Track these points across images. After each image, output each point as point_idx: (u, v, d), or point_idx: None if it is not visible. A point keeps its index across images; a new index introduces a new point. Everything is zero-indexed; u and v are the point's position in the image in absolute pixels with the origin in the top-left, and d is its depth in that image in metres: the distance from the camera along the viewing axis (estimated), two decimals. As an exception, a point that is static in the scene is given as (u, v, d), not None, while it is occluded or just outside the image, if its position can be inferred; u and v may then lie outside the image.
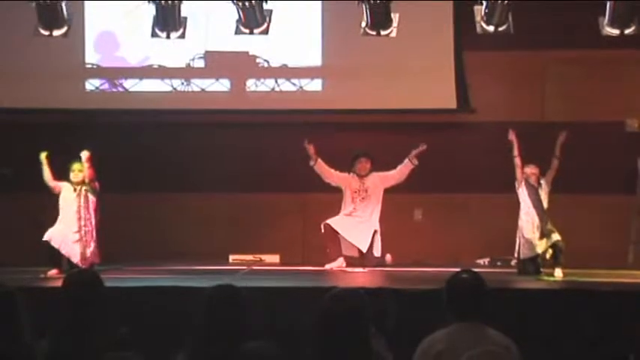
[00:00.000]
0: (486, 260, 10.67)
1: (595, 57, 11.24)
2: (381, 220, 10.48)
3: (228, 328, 4.35)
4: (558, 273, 9.28)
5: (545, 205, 9.51)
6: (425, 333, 4.46)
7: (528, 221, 9.52)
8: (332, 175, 10.61)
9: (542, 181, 9.60)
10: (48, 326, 4.54)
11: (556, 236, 9.37)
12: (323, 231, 10.48)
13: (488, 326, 4.39)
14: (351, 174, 10.62)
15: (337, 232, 10.48)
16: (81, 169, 9.52)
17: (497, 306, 4.63)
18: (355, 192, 10.58)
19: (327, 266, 10.38)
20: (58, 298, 4.65)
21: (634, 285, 8.95)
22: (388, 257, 10.54)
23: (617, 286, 8.57)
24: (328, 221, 10.48)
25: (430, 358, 4.32)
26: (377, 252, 10.48)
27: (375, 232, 10.51)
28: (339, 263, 10.42)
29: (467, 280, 4.55)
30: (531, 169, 9.59)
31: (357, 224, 10.50)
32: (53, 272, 9.28)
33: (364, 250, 10.46)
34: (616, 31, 9.53)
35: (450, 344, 4.31)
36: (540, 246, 9.43)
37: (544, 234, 9.40)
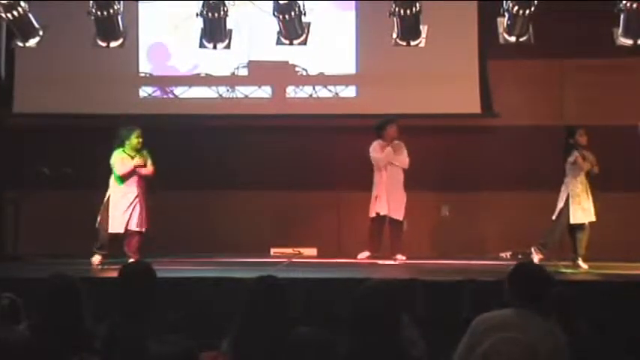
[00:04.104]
0: (508, 254, 10.57)
1: (609, 64, 11.11)
2: (410, 217, 10.42)
3: (270, 315, 4.35)
4: (582, 264, 9.25)
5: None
6: (453, 320, 4.43)
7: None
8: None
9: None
10: (106, 313, 4.56)
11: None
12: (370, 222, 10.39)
13: (546, 317, 4.32)
14: (379, 141, 10.43)
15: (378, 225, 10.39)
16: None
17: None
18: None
19: (359, 256, 10.36)
20: (115, 287, 4.68)
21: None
22: (400, 257, 10.24)
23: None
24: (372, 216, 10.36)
25: (478, 333, 4.28)
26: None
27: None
28: (367, 253, 10.37)
29: (532, 271, 4.48)
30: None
31: (389, 197, 10.30)
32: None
33: (400, 219, 10.29)
34: (630, 41, 9.43)
35: (498, 324, 4.25)
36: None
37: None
